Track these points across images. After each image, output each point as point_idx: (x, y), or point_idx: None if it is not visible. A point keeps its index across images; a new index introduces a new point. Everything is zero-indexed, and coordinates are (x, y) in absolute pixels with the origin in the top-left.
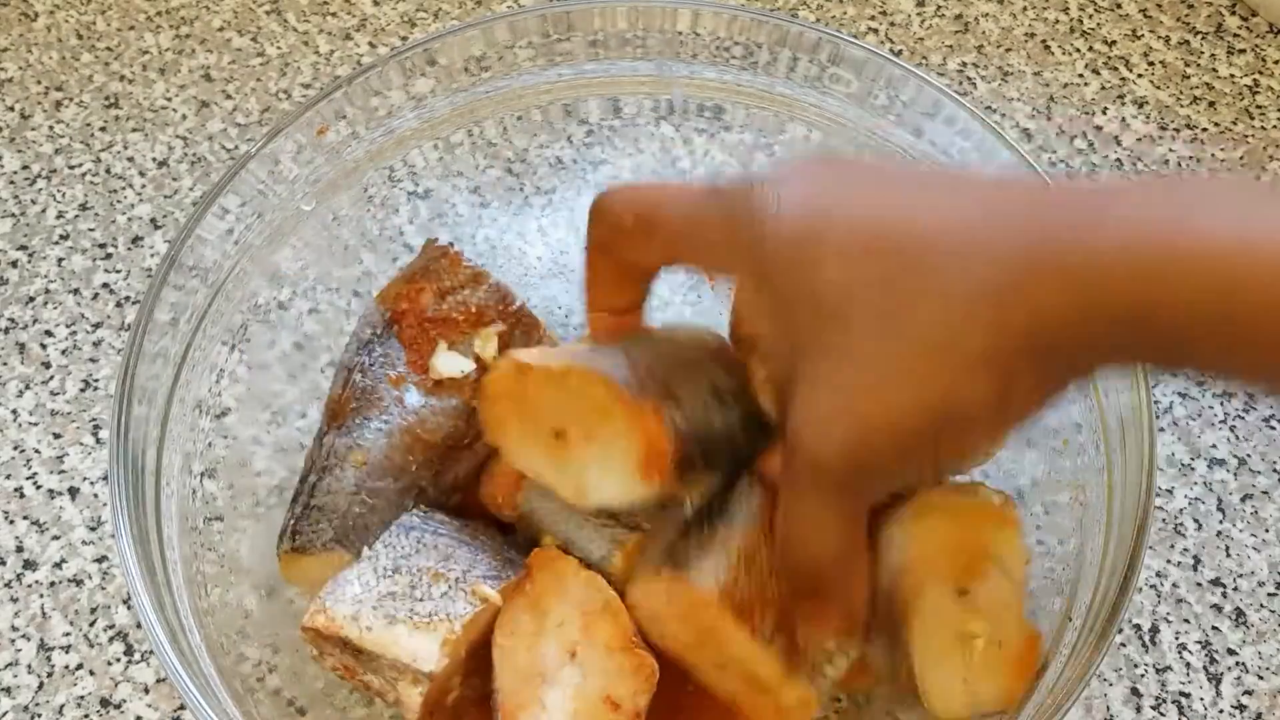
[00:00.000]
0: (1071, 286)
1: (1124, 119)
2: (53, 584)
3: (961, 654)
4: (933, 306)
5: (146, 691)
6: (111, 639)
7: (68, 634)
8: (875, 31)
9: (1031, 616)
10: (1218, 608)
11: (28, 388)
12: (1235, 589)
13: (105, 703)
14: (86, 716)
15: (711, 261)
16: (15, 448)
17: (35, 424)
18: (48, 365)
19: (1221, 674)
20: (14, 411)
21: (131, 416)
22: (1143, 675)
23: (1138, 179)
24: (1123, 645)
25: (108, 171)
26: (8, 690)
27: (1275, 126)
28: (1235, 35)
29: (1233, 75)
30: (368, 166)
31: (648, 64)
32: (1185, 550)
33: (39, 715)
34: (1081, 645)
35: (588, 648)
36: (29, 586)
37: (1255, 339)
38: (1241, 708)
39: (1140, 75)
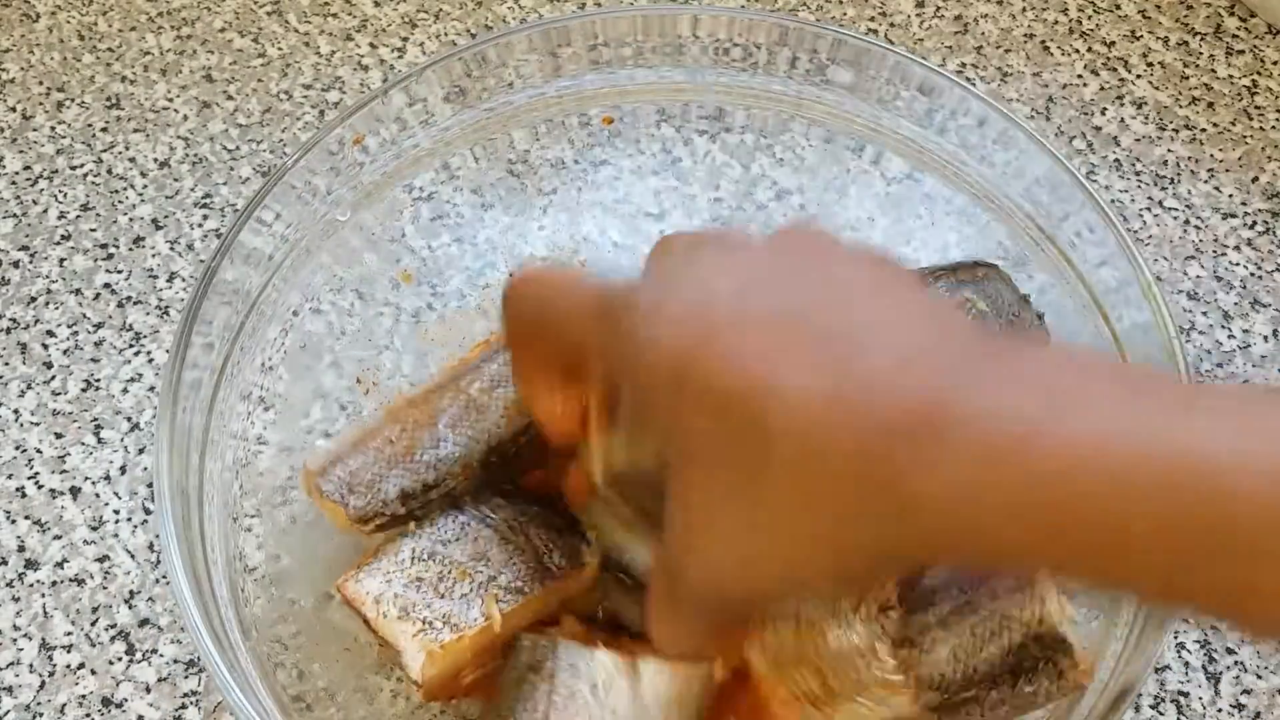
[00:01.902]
0: (903, 517)
1: (1123, 119)
2: (54, 583)
3: None
4: (779, 487)
5: (148, 691)
6: (113, 638)
7: (69, 633)
8: (875, 32)
9: None
10: None
11: (29, 388)
12: None
13: (107, 702)
14: (88, 716)
15: (594, 372)
16: (17, 447)
17: (37, 424)
18: (49, 365)
19: (1220, 673)
20: (15, 411)
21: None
22: None
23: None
24: None
25: (109, 172)
26: (9, 689)
27: (1274, 127)
28: (1234, 36)
29: (1231, 76)
30: (389, 185)
31: (658, 71)
32: None
33: (40, 714)
34: (1131, 655)
35: None
36: (30, 586)
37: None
38: (1240, 707)
39: (1139, 76)
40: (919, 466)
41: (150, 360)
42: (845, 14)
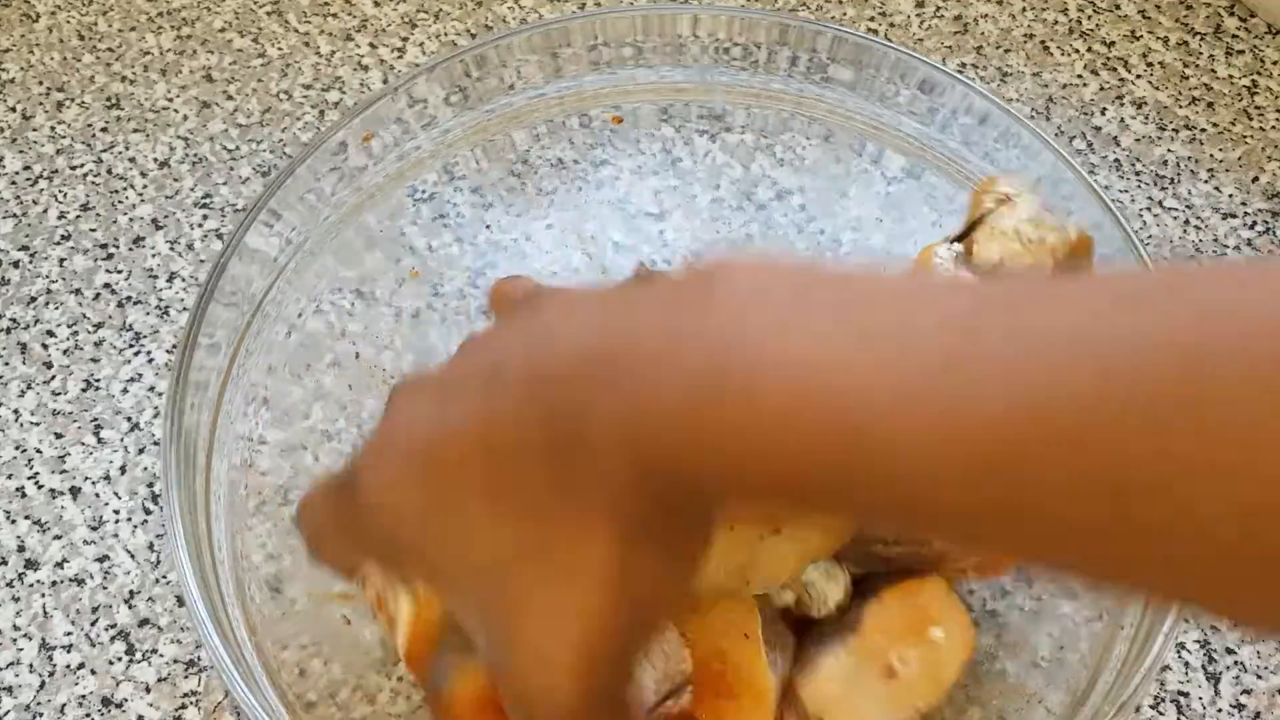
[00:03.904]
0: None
1: (1123, 120)
2: (54, 583)
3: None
4: (548, 522)
5: (148, 691)
6: (113, 638)
7: (69, 633)
8: (875, 32)
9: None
10: None
11: (29, 388)
12: None
13: (107, 702)
14: (88, 716)
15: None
16: (17, 447)
17: (37, 424)
18: (49, 365)
19: (1220, 673)
20: (15, 411)
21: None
22: None
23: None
24: None
25: (109, 172)
26: (9, 689)
27: (1274, 127)
28: (1234, 36)
29: (1231, 76)
30: (392, 187)
31: (659, 71)
32: None
33: (40, 714)
34: (1136, 656)
35: None
36: (30, 586)
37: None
38: (1240, 707)
39: (1139, 76)
40: (602, 393)
41: (150, 360)
42: (845, 14)
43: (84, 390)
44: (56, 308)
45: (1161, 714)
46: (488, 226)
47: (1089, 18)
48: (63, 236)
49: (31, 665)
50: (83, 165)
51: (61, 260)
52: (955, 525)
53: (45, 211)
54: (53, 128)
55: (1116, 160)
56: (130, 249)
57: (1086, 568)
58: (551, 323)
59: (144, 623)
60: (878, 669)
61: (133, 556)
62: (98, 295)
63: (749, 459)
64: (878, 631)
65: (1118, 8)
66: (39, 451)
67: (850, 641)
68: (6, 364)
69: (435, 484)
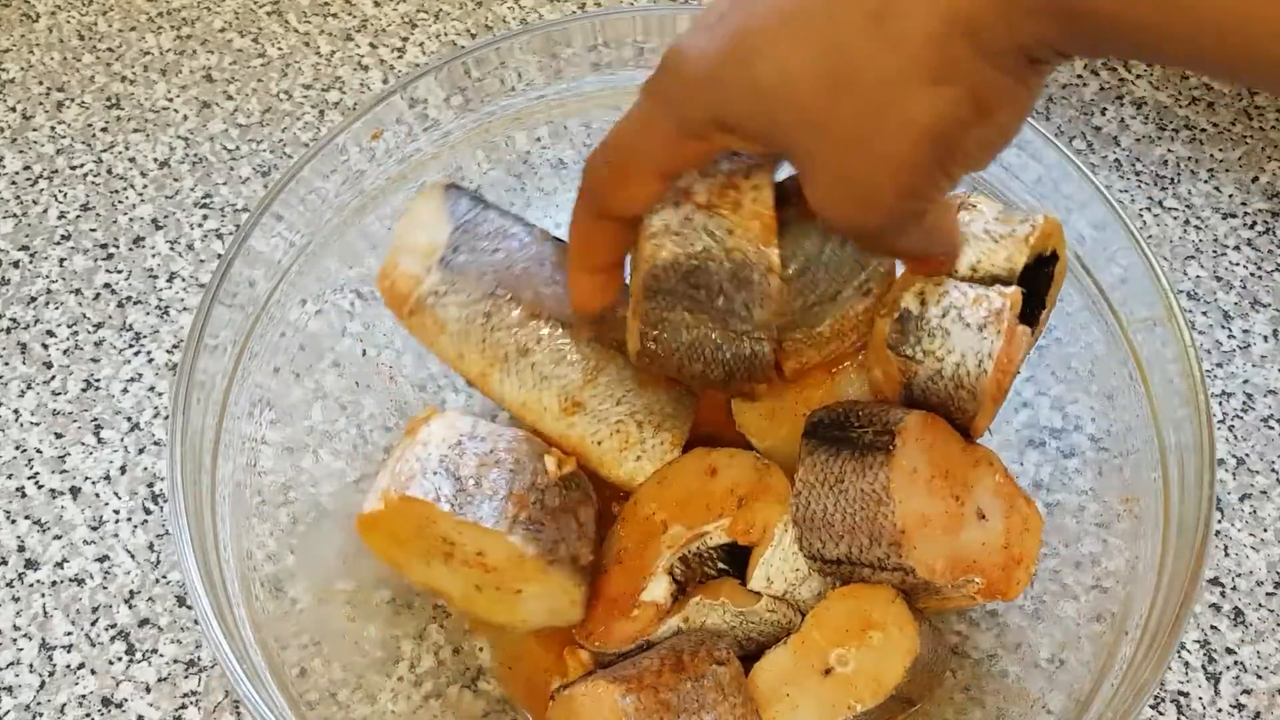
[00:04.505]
0: None
1: (1123, 119)
2: (54, 583)
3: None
4: (868, 49)
5: (148, 690)
6: (113, 638)
7: (69, 633)
8: None
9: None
10: (1216, 607)
11: (29, 387)
12: (1234, 588)
13: (107, 702)
14: (88, 715)
15: (675, 147)
16: (17, 447)
17: (37, 424)
18: (49, 365)
19: (1220, 673)
20: (15, 411)
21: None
22: None
23: None
24: None
25: (109, 172)
26: (10, 689)
27: (1274, 127)
28: None
29: None
30: (393, 190)
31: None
32: None
33: (40, 714)
34: (1142, 661)
35: None
36: (30, 586)
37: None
38: (1240, 707)
39: (1139, 76)
40: None
41: (150, 360)
42: None
43: (84, 390)
44: (56, 308)
45: (1161, 714)
46: None
47: None
48: (63, 236)
49: (31, 665)
50: (83, 165)
51: (61, 260)
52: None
53: (45, 211)
54: (53, 128)
55: (1116, 160)
56: (130, 249)
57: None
58: None
59: (144, 623)
60: (816, 667)
61: (133, 556)
62: (98, 295)
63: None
64: (818, 630)
65: None
66: (39, 451)
67: (791, 638)
68: (6, 364)
69: (784, 30)
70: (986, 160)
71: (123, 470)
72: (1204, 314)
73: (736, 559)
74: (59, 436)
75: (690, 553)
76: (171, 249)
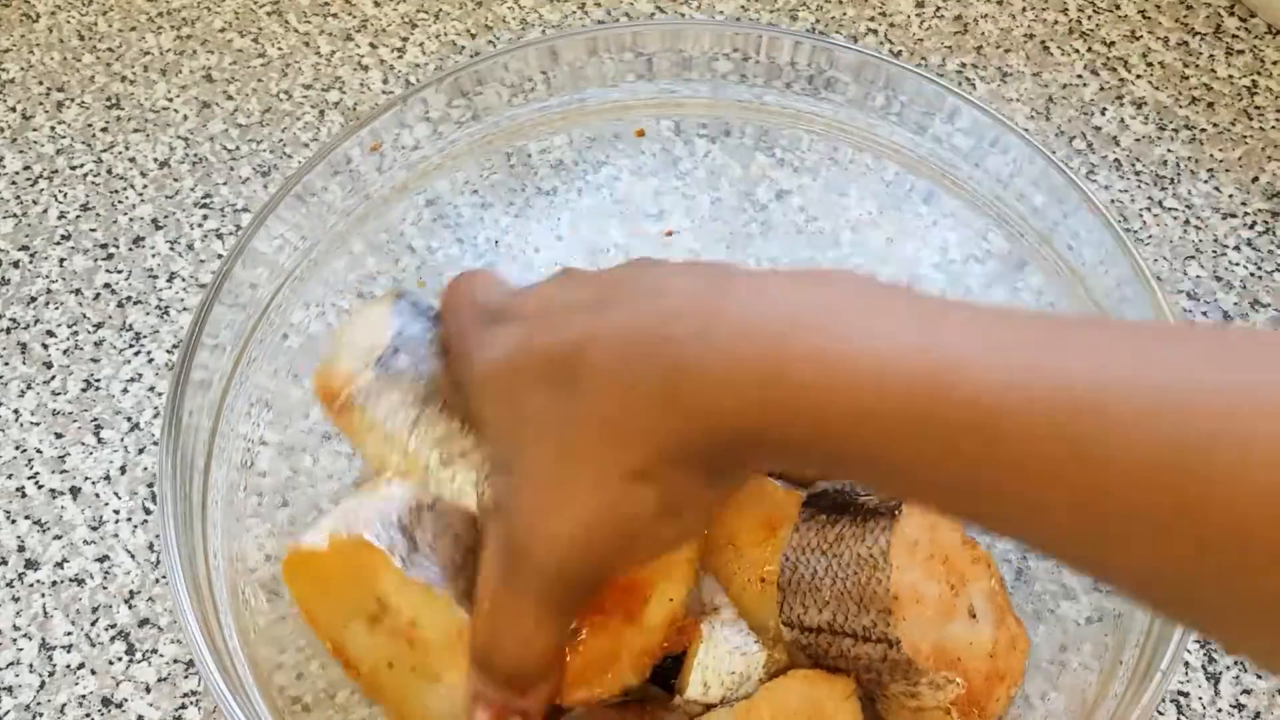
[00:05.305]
0: (694, 411)
1: (1123, 120)
2: (54, 583)
3: None
4: (587, 428)
5: (148, 691)
6: (113, 638)
7: (69, 633)
8: (874, 32)
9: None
10: None
11: (29, 388)
12: None
13: (107, 702)
14: (88, 716)
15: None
16: (17, 447)
17: (37, 424)
18: (49, 365)
19: (1220, 673)
20: (15, 411)
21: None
22: None
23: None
24: None
25: (109, 172)
26: (9, 689)
27: (1274, 127)
28: (1234, 36)
29: (1231, 76)
30: (396, 199)
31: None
32: None
33: (40, 714)
34: (1134, 693)
35: None
36: (30, 586)
37: (848, 461)
38: (1240, 707)
39: (1139, 76)
40: (694, 340)
41: (150, 360)
42: (845, 14)
43: (84, 390)
44: (56, 308)
45: (1161, 714)
46: (488, 227)
47: (1089, 18)
48: (63, 236)
49: (31, 665)
50: (83, 165)
51: (61, 260)
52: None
53: (45, 211)
54: (53, 128)
55: (1116, 160)
56: (130, 249)
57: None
58: (658, 280)
59: (144, 623)
60: None
61: (133, 556)
62: (98, 295)
63: (828, 410)
64: (768, 707)
65: (1118, 8)
66: (39, 451)
67: (739, 704)
68: (6, 364)
69: (534, 368)
70: (657, 554)
71: (123, 470)
72: (1204, 314)
73: (657, 672)
74: (59, 436)
75: None
76: (171, 249)
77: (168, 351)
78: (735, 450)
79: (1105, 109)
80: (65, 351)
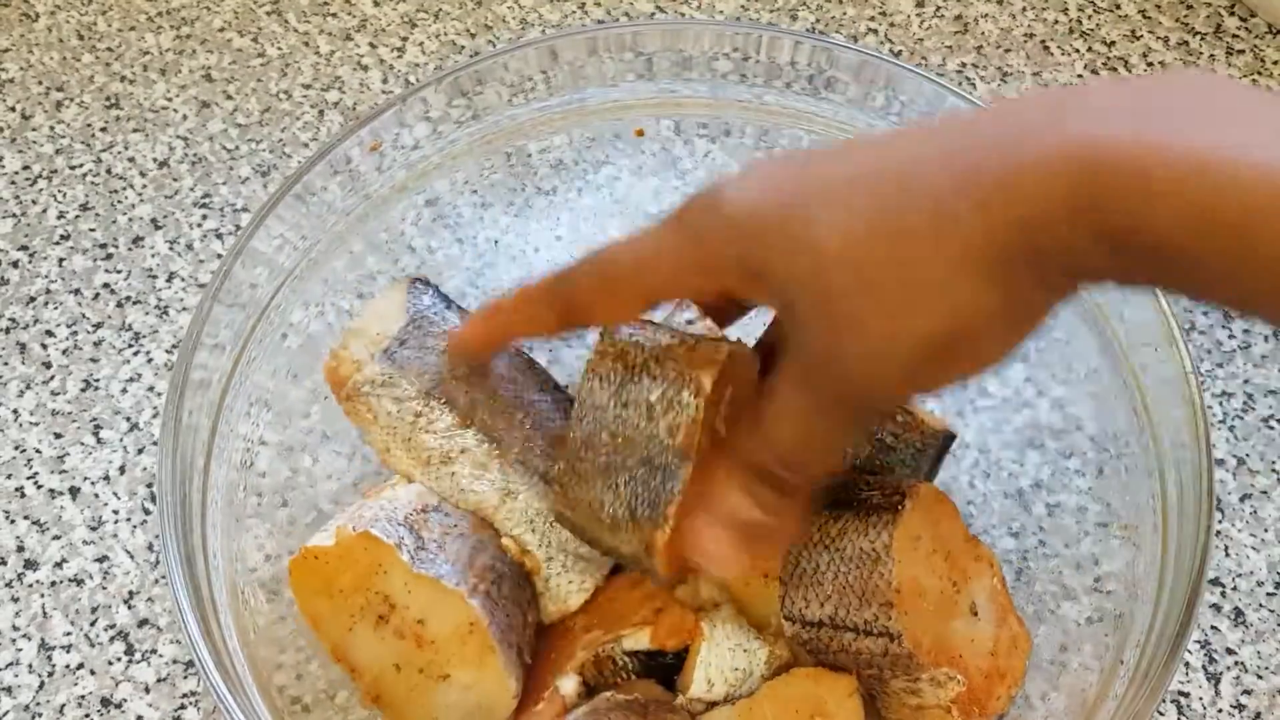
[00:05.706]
0: (1053, 191)
1: None
2: (53, 584)
3: None
4: (924, 228)
5: (147, 691)
6: (112, 639)
7: (68, 633)
8: (875, 32)
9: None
10: (1217, 607)
11: (28, 387)
12: (1234, 589)
13: (106, 702)
14: (87, 716)
15: (680, 276)
16: (16, 447)
17: (36, 424)
18: (48, 365)
19: (1220, 673)
20: (15, 411)
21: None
22: None
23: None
24: None
25: (108, 172)
26: (9, 690)
27: None
28: (1234, 36)
29: (1231, 75)
30: (396, 199)
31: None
32: None
33: (40, 715)
34: (1150, 663)
35: None
36: (30, 586)
37: (1258, 262)
38: (1240, 707)
39: (1139, 76)
40: (1047, 128)
41: (149, 360)
42: (845, 14)
43: (83, 390)
44: (56, 308)
45: (1161, 714)
46: (487, 226)
47: (1089, 17)
48: (62, 236)
49: (31, 665)
50: (82, 165)
51: (61, 260)
52: None
53: (45, 211)
54: (52, 127)
55: None
56: (130, 249)
57: None
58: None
59: (143, 623)
60: None
61: (132, 557)
62: (97, 295)
63: (1190, 219)
64: (770, 703)
65: (1118, 7)
66: (38, 451)
67: (740, 702)
68: (6, 364)
69: (830, 188)
70: (972, 375)
71: (122, 470)
72: (1204, 314)
73: (658, 670)
74: (58, 436)
75: (602, 654)
76: (171, 249)
77: (167, 351)
78: (1103, 257)
79: None
80: (64, 351)
